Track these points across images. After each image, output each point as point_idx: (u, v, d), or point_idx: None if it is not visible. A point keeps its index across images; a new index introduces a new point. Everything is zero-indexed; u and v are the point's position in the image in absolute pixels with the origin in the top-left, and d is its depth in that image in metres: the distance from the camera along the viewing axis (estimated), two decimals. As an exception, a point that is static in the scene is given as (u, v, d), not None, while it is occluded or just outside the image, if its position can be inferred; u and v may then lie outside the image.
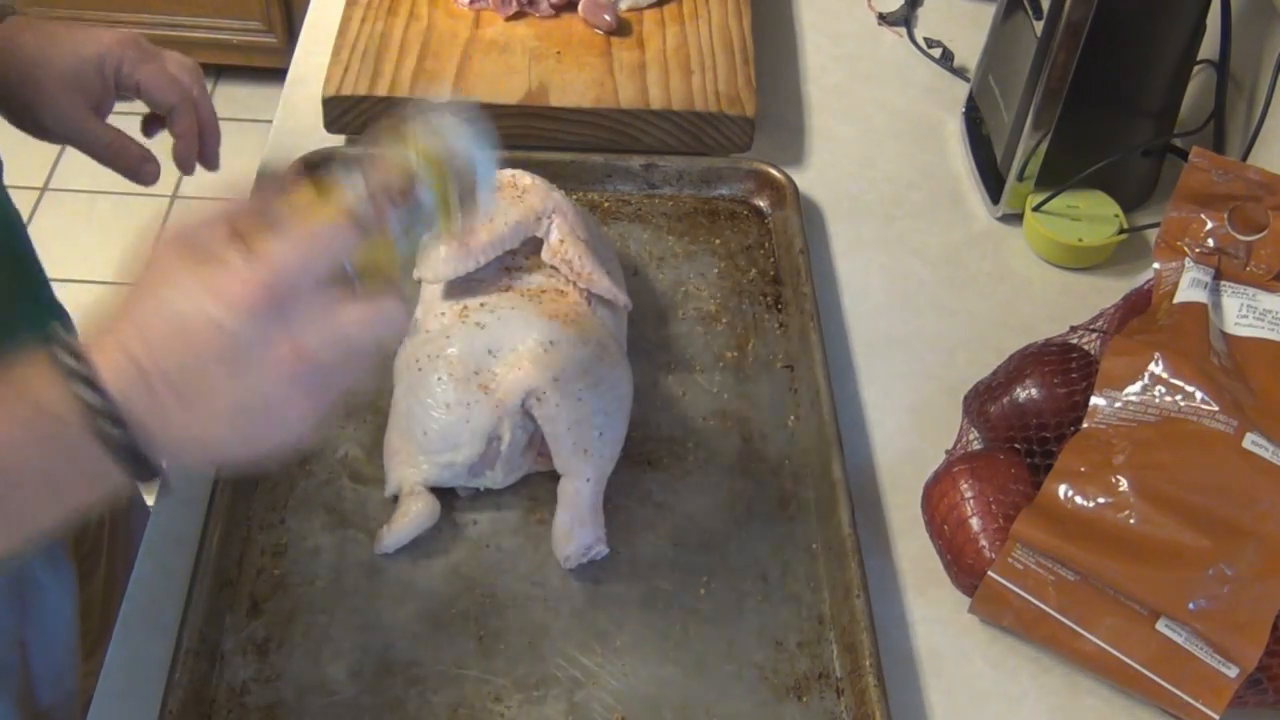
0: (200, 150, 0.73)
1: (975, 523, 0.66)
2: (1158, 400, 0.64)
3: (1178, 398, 0.64)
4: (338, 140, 0.90)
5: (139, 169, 0.71)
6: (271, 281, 0.46)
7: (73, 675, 0.81)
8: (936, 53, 1.05)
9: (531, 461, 0.70)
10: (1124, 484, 0.63)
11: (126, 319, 0.46)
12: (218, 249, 0.47)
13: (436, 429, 0.67)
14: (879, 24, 1.08)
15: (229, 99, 2.29)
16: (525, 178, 0.76)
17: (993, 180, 0.91)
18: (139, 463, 0.46)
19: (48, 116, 0.69)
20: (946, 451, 0.73)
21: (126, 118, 0.72)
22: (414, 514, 0.67)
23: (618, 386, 0.69)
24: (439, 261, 0.71)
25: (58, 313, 0.81)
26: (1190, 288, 0.71)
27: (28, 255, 0.77)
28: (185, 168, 0.73)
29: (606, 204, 0.88)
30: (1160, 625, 0.61)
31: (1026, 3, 0.86)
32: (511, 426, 0.67)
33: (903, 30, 1.07)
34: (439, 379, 0.68)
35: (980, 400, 0.72)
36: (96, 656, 0.82)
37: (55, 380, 0.45)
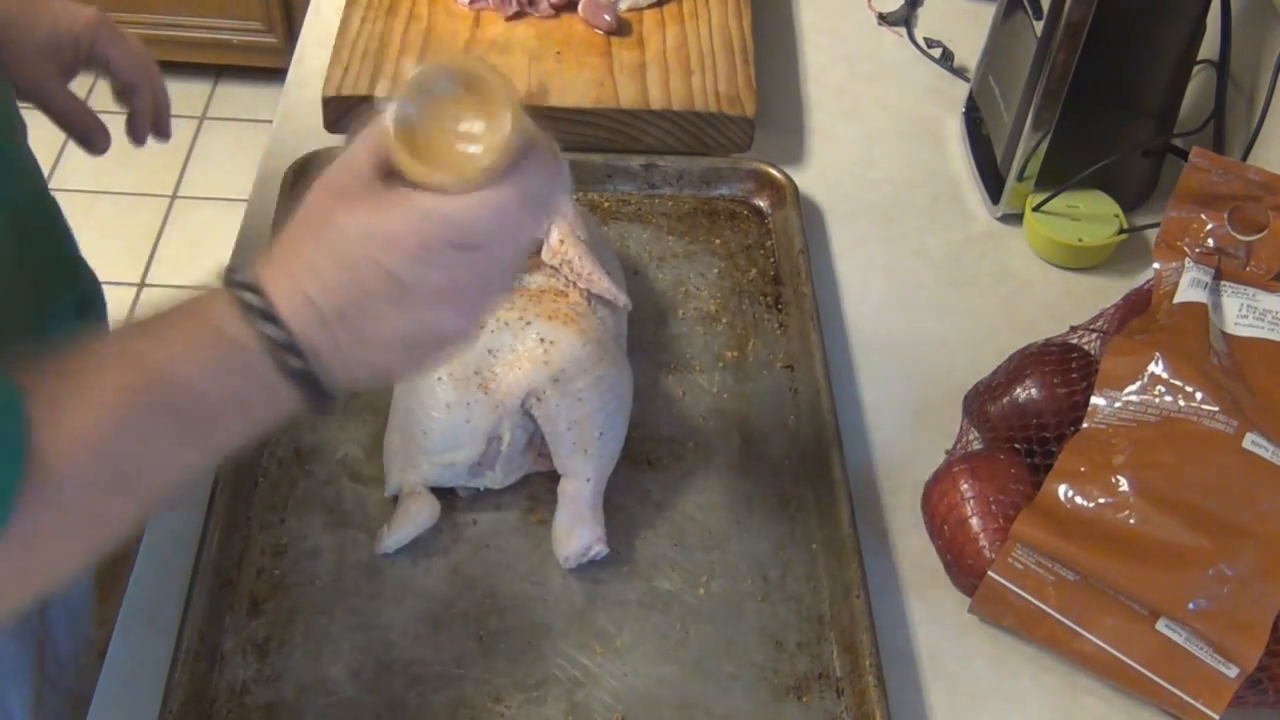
0: (154, 123, 0.80)
1: (975, 523, 0.66)
2: (1158, 400, 0.64)
3: (1178, 398, 0.64)
4: (338, 141, 0.90)
5: (91, 137, 0.77)
6: (437, 233, 0.49)
7: (89, 619, 0.82)
8: (936, 53, 1.05)
9: (531, 462, 0.70)
10: (1124, 484, 0.63)
11: (296, 258, 0.50)
12: (373, 193, 0.50)
13: (436, 429, 0.67)
14: (879, 24, 1.08)
15: (229, 99, 2.29)
16: None
17: (993, 180, 0.91)
18: (318, 390, 0.50)
19: (19, 76, 0.74)
20: (946, 451, 0.73)
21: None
22: (414, 514, 0.67)
23: (618, 386, 0.69)
24: None
25: (92, 282, 0.83)
26: (1190, 288, 0.71)
27: (61, 226, 0.81)
28: (138, 139, 0.80)
29: (606, 204, 0.88)
30: (1160, 625, 0.61)
31: (1026, 3, 0.86)
32: (511, 426, 0.67)
33: (903, 30, 1.07)
34: (439, 379, 0.67)
35: (980, 400, 0.72)
36: (110, 602, 0.82)
37: (237, 314, 0.48)
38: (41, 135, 0.77)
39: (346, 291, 0.49)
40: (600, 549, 0.67)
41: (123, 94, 0.79)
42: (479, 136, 0.50)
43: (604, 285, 0.72)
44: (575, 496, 0.67)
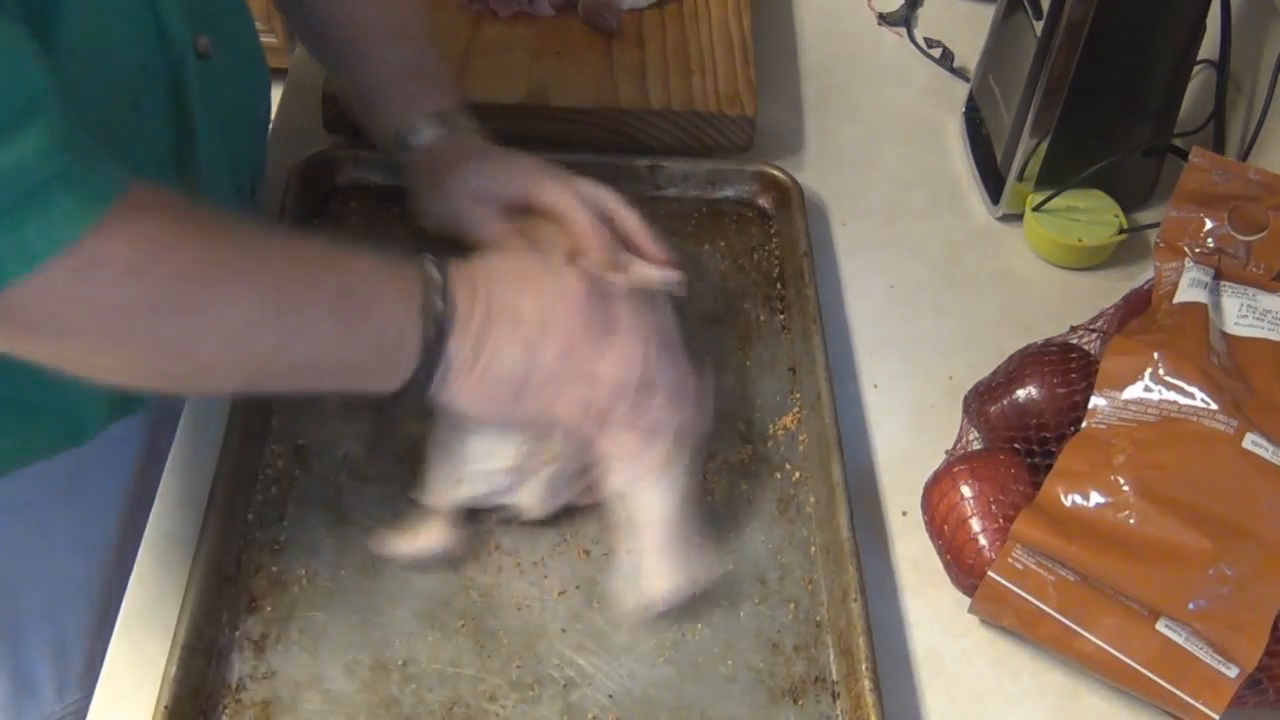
0: None
1: (975, 523, 0.66)
2: (1158, 400, 0.64)
3: (1178, 398, 0.64)
4: (338, 140, 0.90)
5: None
6: (604, 291, 0.63)
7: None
8: (936, 53, 1.04)
9: (576, 493, 0.68)
10: (1124, 484, 0.63)
11: (482, 263, 0.63)
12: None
13: (475, 434, 0.66)
14: (879, 24, 1.08)
15: (231, 101, 2.29)
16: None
17: (993, 180, 0.91)
18: (426, 374, 0.59)
19: (426, 203, 0.76)
20: (946, 451, 0.73)
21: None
22: (427, 538, 0.66)
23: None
24: None
25: None
26: (1190, 288, 0.70)
27: None
28: None
29: (607, 204, 0.88)
30: (1160, 625, 0.61)
31: (1026, 3, 0.86)
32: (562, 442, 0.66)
33: (903, 30, 1.07)
34: None
35: (980, 400, 0.72)
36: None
37: (415, 267, 0.60)
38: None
39: (505, 282, 0.61)
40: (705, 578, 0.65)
41: None
42: None
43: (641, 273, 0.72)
44: (659, 542, 0.64)
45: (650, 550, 0.64)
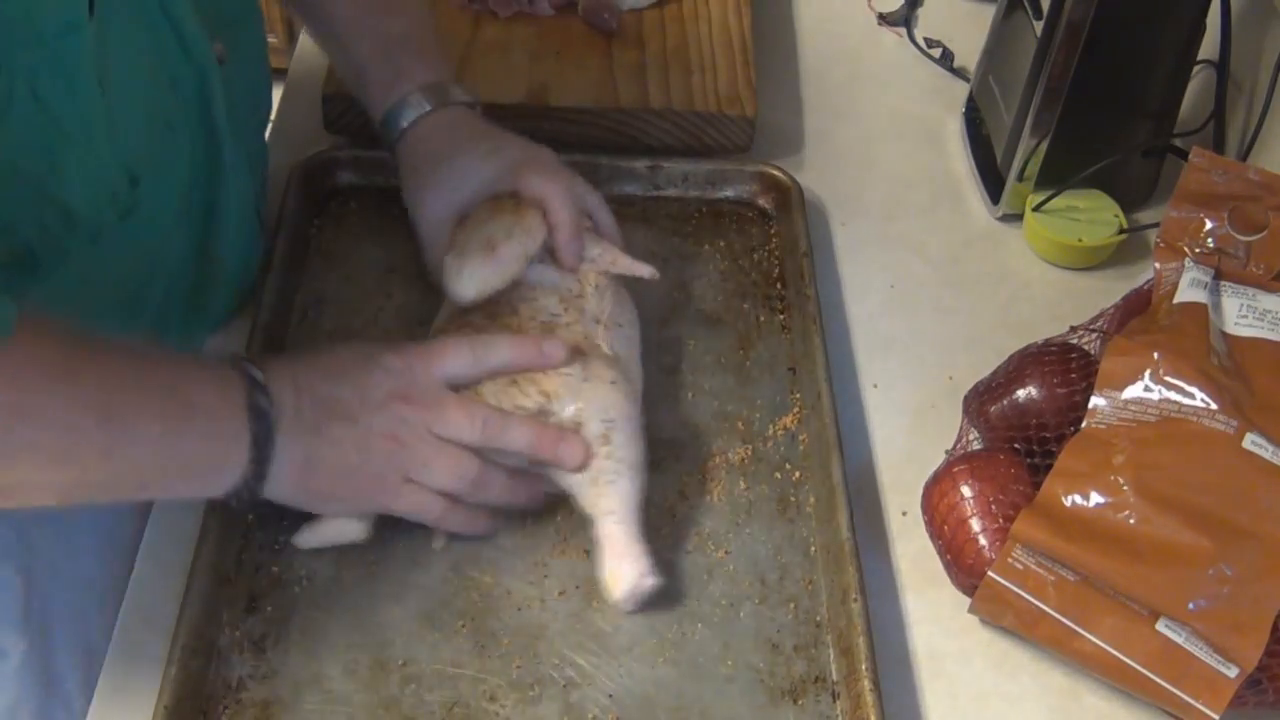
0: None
1: (975, 523, 0.66)
2: (1158, 400, 0.64)
3: (1178, 398, 0.64)
4: (338, 139, 0.90)
5: None
6: (426, 357, 0.64)
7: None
8: (936, 53, 1.05)
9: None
10: (1124, 484, 0.63)
11: (301, 358, 0.64)
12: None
13: None
14: (879, 24, 1.08)
15: (231, 100, 2.29)
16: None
17: (993, 180, 0.91)
18: (257, 473, 0.59)
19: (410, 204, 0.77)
20: (946, 451, 0.73)
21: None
22: (340, 526, 0.66)
23: (623, 409, 0.66)
24: (468, 278, 0.70)
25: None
26: (1190, 288, 0.70)
27: None
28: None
29: (611, 205, 0.88)
30: (1160, 625, 0.61)
31: (1026, 3, 0.86)
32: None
33: (903, 30, 1.07)
34: None
35: (980, 400, 0.72)
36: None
37: (229, 367, 0.59)
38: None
39: (324, 374, 0.62)
40: (650, 580, 0.64)
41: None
42: None
43: (625, 264, 0.74)
44: (610, 537, 0.65)
45: (607, 550, 0.65)
